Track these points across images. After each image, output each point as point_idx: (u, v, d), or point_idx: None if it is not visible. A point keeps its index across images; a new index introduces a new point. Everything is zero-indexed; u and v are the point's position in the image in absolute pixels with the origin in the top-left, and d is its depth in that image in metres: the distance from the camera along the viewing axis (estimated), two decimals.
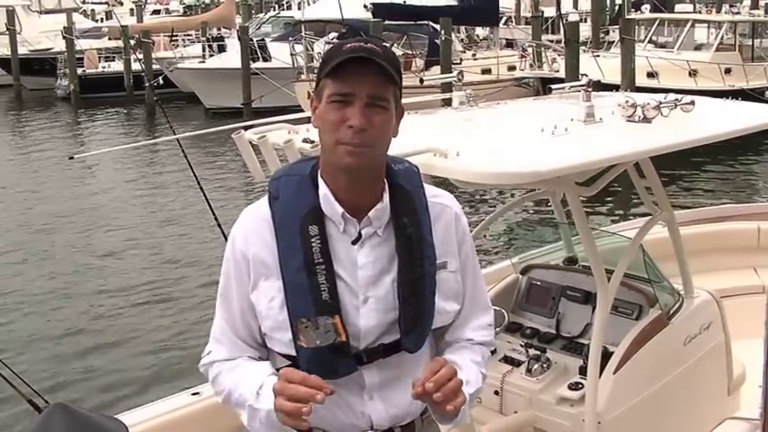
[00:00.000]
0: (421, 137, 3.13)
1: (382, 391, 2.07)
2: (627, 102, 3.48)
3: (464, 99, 3.84)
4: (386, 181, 2.07)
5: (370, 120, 1.94)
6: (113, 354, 8.08)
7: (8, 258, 11.34)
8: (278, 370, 2.10)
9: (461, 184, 3.25)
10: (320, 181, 2.04)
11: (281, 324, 2.03)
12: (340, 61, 1.92)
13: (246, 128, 3.39)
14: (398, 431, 2.12)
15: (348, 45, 1.96)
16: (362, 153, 1.94)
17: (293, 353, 2.04)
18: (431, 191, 2.15)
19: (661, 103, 3.48)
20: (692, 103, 3.58)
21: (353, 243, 2.03)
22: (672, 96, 3.62)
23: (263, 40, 25.65)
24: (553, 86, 4.10)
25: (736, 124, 3.67)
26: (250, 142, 3.32)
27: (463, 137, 3.31)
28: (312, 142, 3.06)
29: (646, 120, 3.42)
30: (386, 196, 2.05)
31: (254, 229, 2.06)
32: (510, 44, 27.82)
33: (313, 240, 2.00)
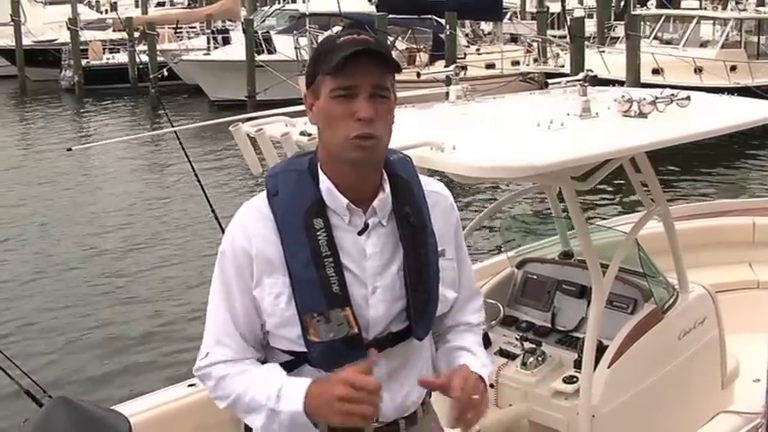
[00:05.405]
0: (418, 130, 3.14)
1: (389, 381, 2.04)
2: (623, 97, 3.49)
3: (461, 93, 3.85)
4: (384, 171, 2.07)
5: (376, 110, 1.93)
6: (110, 345, 8.09)
7: (7, 248, 11.38)
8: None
9: (458, 177, 3.27)
10: (321, 175, 2.02)
11: (287, 320, 1.99)
12: (344, 56, 1.88)
13: (244, 120, 3.40)
14: (402, 423, 2.10)
15: (342, 39, 1.94)
16: (372, 145, 1.93)
17: (300, 349, 2.01)
18: (423, 179, 2.16)
19: (657, 98, 3.48)
20: (688, 98, 3.58)
21: (360, 234, 2.02)
22: (668, 91, 3.63)
23: (267, 32, 25.60)
24: (549, 81, 4.10)
25: (732, 120, 3.67)
26: (248, 135, 3.34)
27: (460, 131, 3.32)
28: (309, 135, 3.07)
29: (641, 115, 3.42)
30: (387, 186, 2.05)
31: (255, 225, 2.01)
32: (514, 39, 27.76)
33: (319, 233, 1.97)
